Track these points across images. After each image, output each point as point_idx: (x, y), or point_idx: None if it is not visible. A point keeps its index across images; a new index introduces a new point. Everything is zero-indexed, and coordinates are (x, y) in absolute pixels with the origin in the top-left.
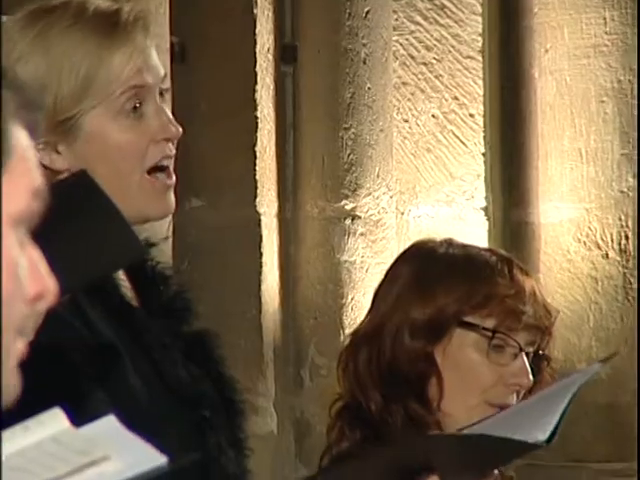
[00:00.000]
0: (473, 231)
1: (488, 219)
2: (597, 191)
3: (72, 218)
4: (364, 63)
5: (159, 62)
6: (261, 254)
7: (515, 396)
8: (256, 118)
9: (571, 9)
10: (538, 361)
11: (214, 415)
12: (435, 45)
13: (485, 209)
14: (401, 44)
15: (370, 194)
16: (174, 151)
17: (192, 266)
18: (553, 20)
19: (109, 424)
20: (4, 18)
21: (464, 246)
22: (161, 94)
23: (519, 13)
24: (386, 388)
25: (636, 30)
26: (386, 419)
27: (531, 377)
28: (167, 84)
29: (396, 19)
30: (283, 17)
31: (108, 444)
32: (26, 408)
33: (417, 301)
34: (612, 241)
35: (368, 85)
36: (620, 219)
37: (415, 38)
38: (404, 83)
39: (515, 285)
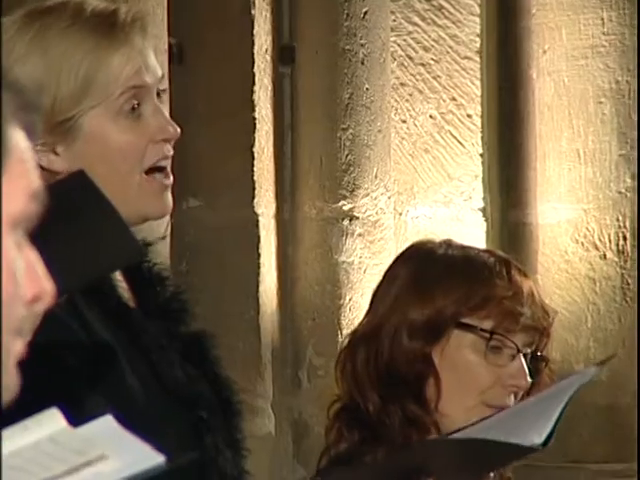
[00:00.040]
0: (471, 232)
1: (486, 220)
2: (595, 192)
3: (70, 219)
4: (362, 64)
5: (157, 63)
6: (259, 255)
7: (513, 397)
8: (254, 119)
9: (569, 10)
10: (536, 362)
11: (211, 416)
12: (433, 46)
13: (483, 210)
14: (399, 45)
15: (368, 195)
16: (172, 152)
17: (190, 267)
18: (551, 21)
19: (106, 424)
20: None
21: (463, 247)
22: (158, 95)
23: (517, 14)
24: (384, 389)
25: (634, 31)
26: (384, 420)
27: (529, 378)
28: (164, 85)
29: (394, 20)
30: (281, 18)
31: (105, 444)
32: (23, 409)
33: (415, 302)
34: (610, 242)
35: (366, 86)
36: (618, 220)
37: (413, 39)
38: (402, 84)
39: (513, 286)
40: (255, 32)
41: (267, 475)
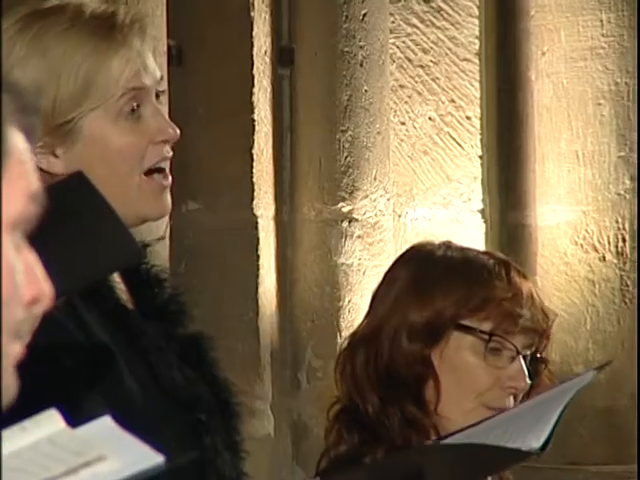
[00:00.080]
0: (470, 234)
1: (485, 222)
2: (594, 194)
3: (68, 220)
4: (361, 66)
5: (155, 64)
6: (258, 257)
7: (512, 399)
8: (253, 121)
9: (568, 11)
10: (535, 364)
11: (210, 418)
12: (432, 48)
13: (482, 211)
14: (398, 47)
15: (367, 196)
16: (171, 153)
17: (189, 269)
18: (550, 23)
19: (105, 424)
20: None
21: (462, 249)
22: (157, 96)
23: (516, 15)
24: (383, 391)
25: (633, 32)
26: (383, 421)
27: (528, 380)
28: (163, 86)
29: (393, 22)
30: (280, 20)
31: (104, 444)
32: (21, 410)
33: (415, 304)
34: (609, 244)
35: (365, 88)
36: (617, 221)
37: (412, 41)
38: (401, 86)
39: (512, 288)
40: (254, 34)
41: (266, 477)
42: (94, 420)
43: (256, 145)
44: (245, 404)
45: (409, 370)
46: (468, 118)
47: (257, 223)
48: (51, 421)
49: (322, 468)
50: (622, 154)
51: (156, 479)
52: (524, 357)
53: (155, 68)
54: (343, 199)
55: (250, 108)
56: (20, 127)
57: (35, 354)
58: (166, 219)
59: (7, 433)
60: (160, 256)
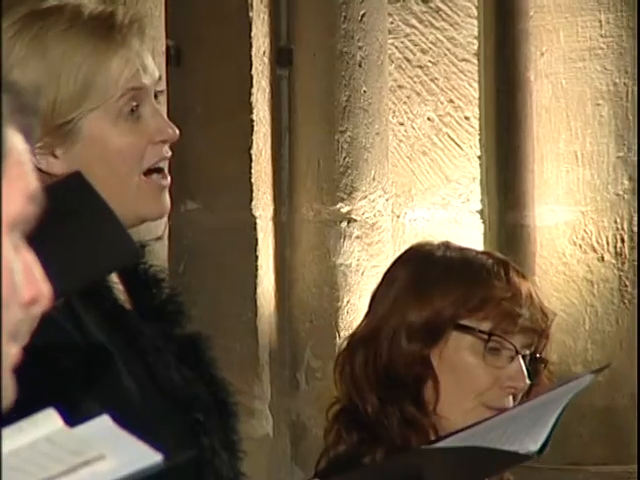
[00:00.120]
0: (469, 234)
1: (484, 222)
2: (593, 194)
3: (66, 220)
4: (360, 66)
5: (154, 65)
6: (257, 257)
7: (511, 399)
8: (252, 121)
9: (567, 12)
10: (535, 364)
11: (207, 418)
12: (430, 48)
13: (481, 212)
14: (397, 47)
15: (366, 197)
16: (170, 153)
17: (188, 269)
18: (549, 23)
19: (103, 424)
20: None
21: (461, 249)
22: (155, 96)
23: (515, 16)
24: (382, 391)
25: (631, 33)
26: (382, 422)
27: (527, 380)
28: (162, 86)
29: (391, 22)
30: (279, 20)
31: (102, 443)
32: (19, 411)
33: (414, 304)
34: (608, 244)
35: (364, 88)
36: (616, 222)
37: (410, 41)
38: (400, 86)
39: (511, 288)
40: (253, 34)
41: (265, 477)
42: (92, 419)
43: (255, 145)
44: (244, 404)
45: (408, 370)
46: (467, 118)
47: (256, 223)
48: (49, 420)
49: (321, 468)
50: (621, 154)
51: (154, 478)
52: (523, 357)
53: (154, 68)
54: (342, 200)
55: (249, 108)
56: (19, 127)
57: (33, 354)
58: (165, 219)
59: (6, 432)
60: (159, 256)
